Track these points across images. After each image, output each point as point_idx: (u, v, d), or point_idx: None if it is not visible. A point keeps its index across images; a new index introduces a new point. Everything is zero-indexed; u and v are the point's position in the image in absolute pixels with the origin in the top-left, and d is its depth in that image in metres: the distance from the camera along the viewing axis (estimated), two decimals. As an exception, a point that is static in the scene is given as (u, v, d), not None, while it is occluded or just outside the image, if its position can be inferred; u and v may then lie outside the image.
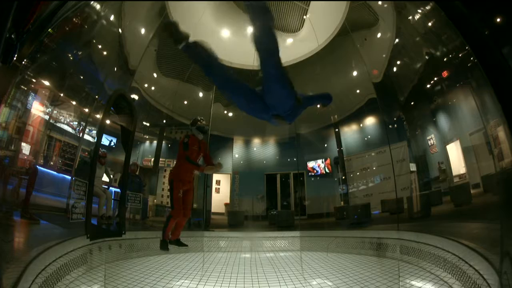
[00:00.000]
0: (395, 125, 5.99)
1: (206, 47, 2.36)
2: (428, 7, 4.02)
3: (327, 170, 7.67)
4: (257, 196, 8.00)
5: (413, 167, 5.42)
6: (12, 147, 3.04)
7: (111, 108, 4.97)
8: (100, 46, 4.70)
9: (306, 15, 6.29)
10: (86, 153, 4.48)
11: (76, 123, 4.26)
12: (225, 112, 8.08)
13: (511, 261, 2.37)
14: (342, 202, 7.00)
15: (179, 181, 3.61)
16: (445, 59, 4.11)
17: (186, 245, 3.88)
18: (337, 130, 7.42)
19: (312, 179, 7.85)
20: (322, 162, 7.75)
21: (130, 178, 5.63)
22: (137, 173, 6.03)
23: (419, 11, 4.33)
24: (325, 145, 7.77)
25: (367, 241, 5.26)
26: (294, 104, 2.48)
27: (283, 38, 6.96)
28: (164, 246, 3.67)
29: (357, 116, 7.10)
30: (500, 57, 2.49)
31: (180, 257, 5.23)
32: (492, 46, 2.59)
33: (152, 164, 6.92)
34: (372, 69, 6.01)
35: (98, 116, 4.66)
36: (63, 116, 4.00)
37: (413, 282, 3.37)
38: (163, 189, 7.04)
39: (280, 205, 8.04)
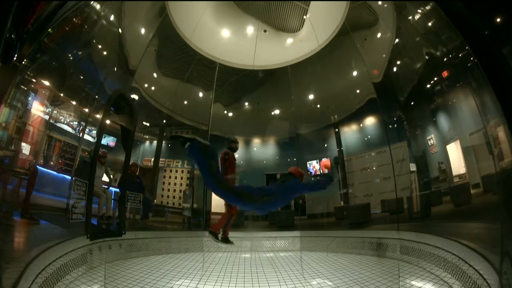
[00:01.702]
0: (395, 125, 5.98)
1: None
2: (428, 7, 4.01)
3: (321, 172, 7.66)
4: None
5: (413, 167, 5.42)
6: (12, 147, 3.04)
7: (111, 108, 4.97)
8: (100, 46, 4.70)
9: (306, 15, 6.29)
10: (86, 153, 4.48)
11: (76, 123, 4.26)
12: (225, 112, 8.08)
13: (511, 261, 2.37)
14: (342, 202, 7.00)
15: None
16: (445, 59, 4.11)
17: (232, 243, 4.04)
18: (337, 130, 7.42)
19: (312, 179, 7.85)
20: (317, 163, 7.74)
21: (130, 178, 5.63)
22: (137, 173, 6.03)
23: (419, 11, 4.33)
24: (325, 145, 7.76)
25: (367, 241, 5.26)
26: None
27: (283, 38, 6.96)
28: (226, 240, 3.83)
29: (357, 116, 7.09)
30: (500, 57, 2.49)
31: (180, 257, 5.23)
32: (492, 46, 2.59)
33: (152, 164, 6.92)
34: (372, 69, 6.00)
35: (98, 116, 4.66)
36: (63, 116, 4.00)
37: (413, 282, 3.37)
38: (163, 189, 7.03)
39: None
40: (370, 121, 7.01)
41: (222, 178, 2.97)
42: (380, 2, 5.73)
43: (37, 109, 3.39)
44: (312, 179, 2.78)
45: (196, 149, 2.77)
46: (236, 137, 4.25)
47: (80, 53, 4.20)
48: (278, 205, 2.87)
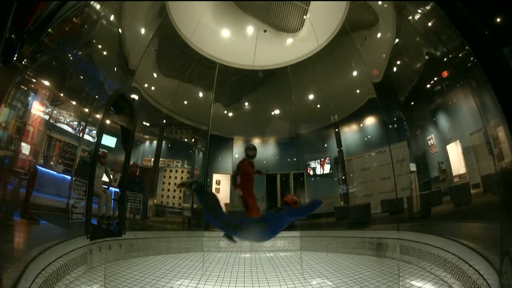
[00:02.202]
0: (395, 125, 5.98)
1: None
2: (428, 7, 4.01)
3: (322, 171, 7.69)
4: (257, 196, 7.98)
5: (413, 167, 5.42)
6: (12, 147, 3.03)
7: (111, 108, 4.97)
8: (100, 46, 4.70)
9: (306, 15, 6.29)
10: (86, 153, 4.48)
11: (76, 123, 4.26)
12: (225, 112, 8.08)
13: (511, 261, 2.37)
14: (342, 202, 7.00)
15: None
16: (445, 59, 4.11)
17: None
18: (337, 130, 7.42)
19: (312, 179, 7.85)
20: (316, 163, 7.79)
21: (130, 178, 5.63)
22: (137, 173, 6.03)
23: (419, 11, 4.33)
24: (325, 145, 7.76)
25: (367, 241, 5.26)
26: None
27: (283, 38, 6.96)
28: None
29: (357, 116, 7.09)
30: (500, 57, 2.49)
31: (180, 257, 5.23)
32: (492, 46, 2.59)
33: (152, 164, 6.92)
34: (372, 69, 6.00)
35: (98, 116, 4.66)
36: (63, 116, 4.00)
37: (413, 282, 3.37)
38: (163, 189, 7.03)
39: (280, 205, 8.01)
40: (370, 121, 7.01)
41: (220, 213, 3.25)
42: (380, 2, 5.73)
43: (37, 109, 3.39)
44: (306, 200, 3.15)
45: (199, 190, 3.40)
46: (254, 145, 4.42)
47: (80, 53, 4.20)
48: (273, 233, 3.12)
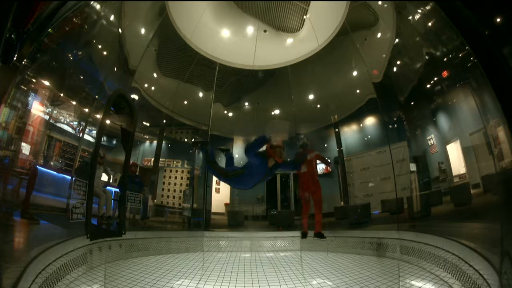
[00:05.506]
0: (395, 125, 5.98)
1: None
2: (428, 7, 4.02)
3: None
4: (257, 196, 7.99)
5: (413, 167, 5.42)
6: (12, 147, 3.04)
7: (111, 108, 4.97)
8: (100, 46, 4.70)
9: (306, 15, 6.29)
10: (86, 153, 4.48)
11: (76, 123, 4.26)
12: (225, 112, 8.08)
13: (511, 261, 2.37)
14: (342, 202, 7.00)
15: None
16: (445, 59, 4.11)
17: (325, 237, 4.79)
18: (337, 130, 7.42)
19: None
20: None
21: (130, 178, 5.63)
22: (137, 173, 6.03)
23: (419, 11, 4.33)
24: (325, 145, 7.76)
25: (367, 241, 5.25)
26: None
27: (283, 38, 6.96)
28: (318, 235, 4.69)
29: (357, 116, 7.09)
30: (500, 57, 2.50)
31: (180, 256, 5.23)
32: (492, 46, 2.59)
33: (152, 164, 6.93)
34: (372, 69, 6.00)
35: (98, 116, 4.66)
36: (63, 116, 4.00)
37: (413, 282, 3.37)
38: (163, 189, 7.03)
39: (280, 205, 8.03)
40: (370, 121, 7.01)
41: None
42: (380, 2, 5.73)
43: (37, 109, 3.39)
44: None
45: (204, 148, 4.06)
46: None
47: (80, 53, 4.20)
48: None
